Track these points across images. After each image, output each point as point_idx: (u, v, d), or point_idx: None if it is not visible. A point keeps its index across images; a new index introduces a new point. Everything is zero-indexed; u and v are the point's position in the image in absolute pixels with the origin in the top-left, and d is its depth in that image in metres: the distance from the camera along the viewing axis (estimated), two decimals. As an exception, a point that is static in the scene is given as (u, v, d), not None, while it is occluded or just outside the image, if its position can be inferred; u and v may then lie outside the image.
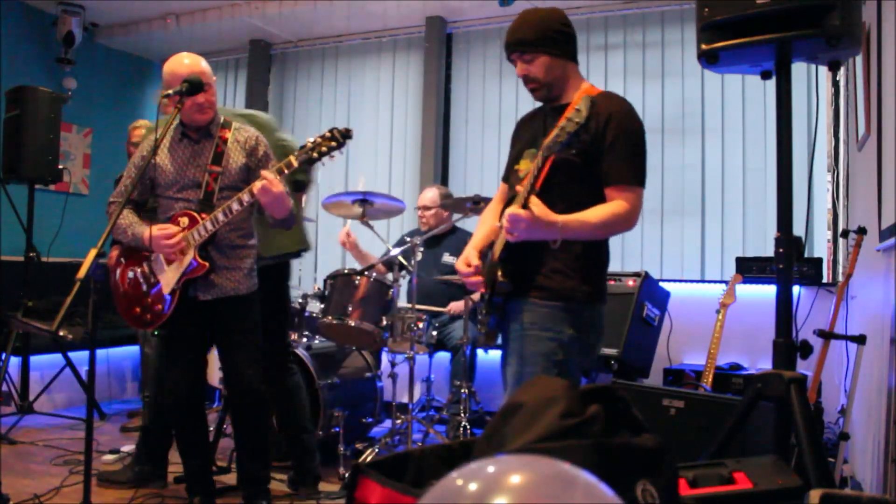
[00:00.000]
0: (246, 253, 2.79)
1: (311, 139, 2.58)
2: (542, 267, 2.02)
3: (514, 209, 1.90)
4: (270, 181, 2.51)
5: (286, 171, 2.57)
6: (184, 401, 2.79)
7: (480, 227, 2.26)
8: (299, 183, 3.14)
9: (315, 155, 2.55)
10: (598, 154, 2.00)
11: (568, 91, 2.12)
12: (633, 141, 2.03)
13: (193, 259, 2.63)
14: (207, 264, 2.64)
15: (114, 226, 2.41)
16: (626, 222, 2.01)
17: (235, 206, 2.59)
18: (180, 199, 2.70)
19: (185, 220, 2.65)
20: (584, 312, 2.03)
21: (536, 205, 1.89)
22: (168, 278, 2.67)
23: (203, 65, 2.68)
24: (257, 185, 2.52)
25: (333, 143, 2.55)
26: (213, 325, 2.78)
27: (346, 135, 2.56)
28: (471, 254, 2.13)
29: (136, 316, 2.75)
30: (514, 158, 2.18)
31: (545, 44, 2.06)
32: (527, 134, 2.20)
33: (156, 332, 2.78)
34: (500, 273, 2.00)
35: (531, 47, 2.07)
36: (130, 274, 2.78)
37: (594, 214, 1.96)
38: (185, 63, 2.66)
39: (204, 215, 2.63)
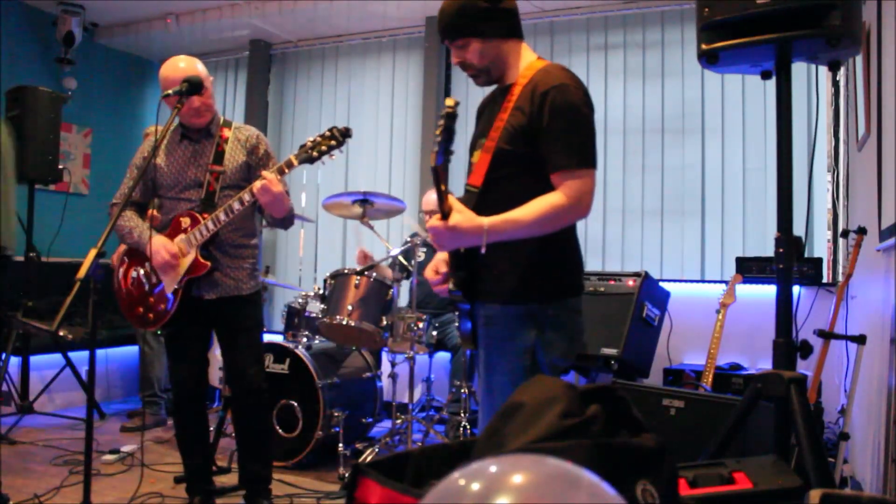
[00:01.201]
0: (248, 252, 2.80)
1: (311, 138, 2.59)
2: (494, 270, 1.89)
3: (433, 222, 1.79)
4: (270, 181, 2.52)
5: (287, 171, 2.58)
6: (187, 399, 2.81)
7: None
8: None
9: (315, 154, 2.56)
10: (538, 139, 1.84)
11: (510, 70, 1.97)
12: (571, 118, 1.82)
13: (195, 259, 2.64)
14: (209, 264, 2.65)
15: (115, 227, 2.41)
16: (571, 212, 1.82)
17: (236, 206, 2.60)
18: (182, 199, 2.72)
19: (187, 220, 2.67)
20: (547, 311, 1.87)
21: (459, 212, 1.78)
22: (171, 279, 2.68)
23: (199, 67, 2.68)
24: (257, 185, 2.53)
25: (333, 143, 2.56)
26: (215, 323, 2.80)
27: (346, 134, 2.57)
28: (439, 261, 2.03)
29: (138, 315, 2.77)
30: (470, 150, 2.05)
31: (472, 28, 1.91)
32: (481, 122, 2.07)
33: (158, 332, 2.80)
34: (451, 282, 1.91)
35: (459, 33, 1.93)
36: (133, 274, 2.79)
37: (528, 211, 1.79)
38: (180, 67, 2.66)
39: (206, 215, 2.64)
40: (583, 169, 1.83)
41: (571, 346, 1.94)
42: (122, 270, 2.83)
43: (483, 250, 1.79)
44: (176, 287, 2.68)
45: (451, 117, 1.73)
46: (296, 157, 2.58)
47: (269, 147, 2.85)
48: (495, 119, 1.92)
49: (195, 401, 2.84)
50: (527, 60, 1.97)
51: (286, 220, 2.74)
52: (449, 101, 1.75)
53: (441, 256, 2.04)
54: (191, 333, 2.78)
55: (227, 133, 2.76)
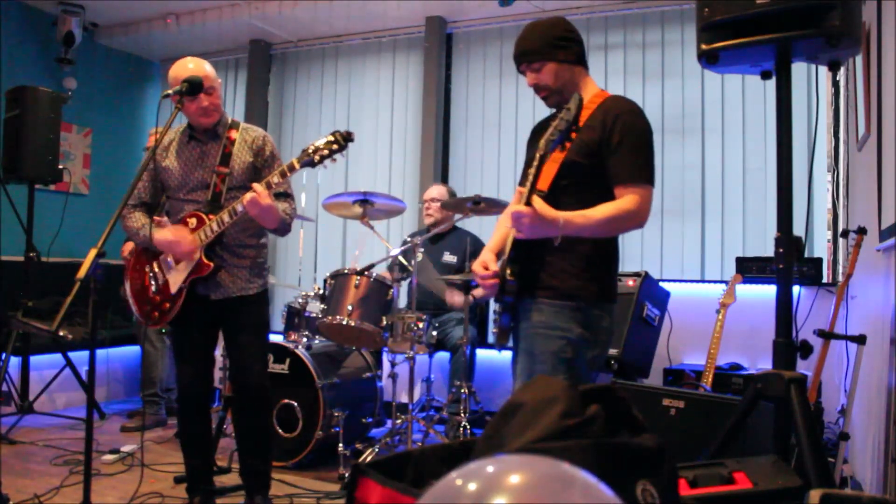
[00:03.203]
0: (255, 252, 2.82)
1: (314, 142, 2.59)
2: (550, 267, 2.06)
3: (517, 206, 1.95)
4: (259, 194, 2.54)
5: (289, 174, 2.59)
6: (191, 398, 2.82)
7: (496, 232, 2.29)
8: None
9: (317, 158, 2.57)
10: (606, 155, 2.04)
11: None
12: (639, 140, 2.06)
13: (199, 259, 2.67)
14: (212, 265, 2.68)
15: (124, 228, 2.43)
16: (633, 219, 2.02)
17: (226, 218, 2.63)
18: (189, 200, 2.74)
19: (193, 221, 2.70)
20: (592, 311, 2.05)
21: (538, 201, 1.93)
22: (175, 278, 2.72)
23: (207, 68, 2.69)
24: (246, 198, 2.56)
25: (335, 147, 2.57)
26: (221, 322, 2.83)
27: (348, 138, 2.57)
28: (488, 257, 2.16)
29: (145, 313, 2.81)
30: (527, 163, 2.22)
31: (550, 51, 2.13)
32: (540, 138, 2.23)
33: (163, 330, 2.84)
34: (508, 272, 2.04)
35: (538, 56, 2.14)
36: (142, 272, 2.83)
37: (599, 211, 1.99)
38: (188, 67, 2.67)
39: (211, 216, 2.66)
40: (646, 185, 2.04)
41: (606, 346, 2.14)
42: (131, 268, 2.87)
43: (557, 242, 1.95)
44: (181, 286, 2.70)
45: (580, 107, 1.89)
46: (298, 160, 2.58)
47: (276, 148, 2.86)
48: None
49: (199, 400, 2.84)
50: (594, 90, 2.19)
51: (279, 229, 2.75)
52: (578, 96, 1.94)
53: (487, 256, 2.16)
54: (196, 333, 2.80)
55: (234, 134, 2.78)
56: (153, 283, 2.79)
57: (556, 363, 2.01)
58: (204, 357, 2.84)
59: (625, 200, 2.01)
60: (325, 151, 2.56)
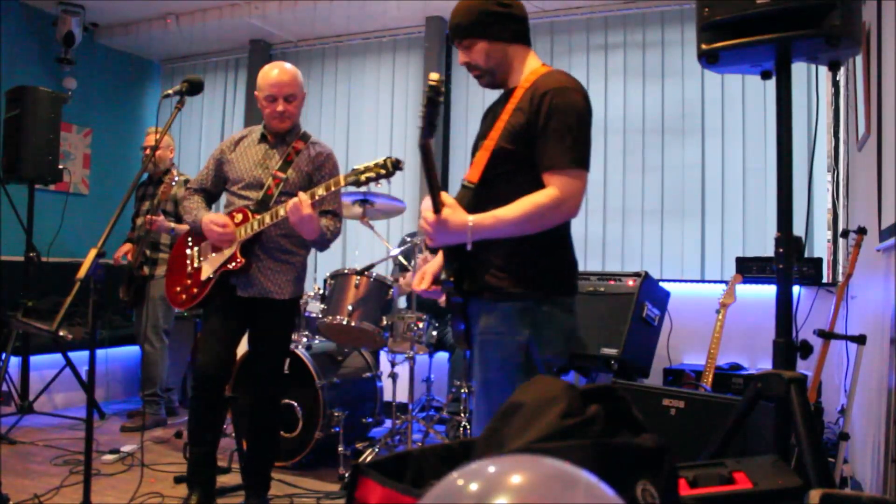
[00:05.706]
0: (295, 260, 2.85)
1: (365, 163, 2.57)
2: (490, 266, 1.90)
3: (425, 213, 1.83)
4: (301, 202, 2.56)
5: (333, 188, 2.61)
6: (205, 383, 2.78)
7: None
8: None
9: (363, 179, 2.56)
10: (534, 139, 1.86)
11: (514, 74, 1.99)
12: (567, 119, 1.83)
13: (234, 253, 2.73)
14: (244, 260, 2.72)
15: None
16: (555, 210, 1.82)
17: (267, 220, 2.67)
18: (242, 196, 2.81)
19: (239, 217, 2.76)
20: (541, 308, 1.87)
21: (449, 206, 1.81)
22: (208, 266, 2.79)
23: (287, 78, 2.82)
24: (289, 204, 2.57)
25: (383, 171, 2.54)
26: (250, 321, 2.86)
27: (397, 166, 2.56)
28: (425, 269, 2.04)
29: (174, 294, 2.90)
30: (472, 152, 2.06)
31: (480, 29, 1.94)
32: (484, 125, 2.07)
33: (185, 314, 2.94)
34: (444, 274, 1.92)
35: (467, 34, 1.96)
36: (183, 254, 2.92)
37: (513, 209, 1.81)
38: (272, 74, 2.82)
39: (256, 215, 2.72)
40: (573, 169, 1.83)
41: (566, 344, 1.93)
42: (176, 248, 2.98)
43: (469, 247, 1.80)
44: (210, 276, 2.76)
45: (434, 90, 1.72)
46: (344, 177, 2.60)
47: (337, 167, 2.90)
48: (497, 120, 1.94)
49: (213, 386, 2.79)
50: (532, 66, 1.99)
51: (317, 242, 2.76)
52: (433, 76, 1.73)
53: (429, 268, 2.06)
54: (222, 322, 2.81)
55: (300, 145, 2.85)
56: (189, 266, 2.88)
57: (509, 370, 1.86)
58: (223, 345, 2.80)
59: (543, 193, 1.81)
60: (372, 174, 2.54)
